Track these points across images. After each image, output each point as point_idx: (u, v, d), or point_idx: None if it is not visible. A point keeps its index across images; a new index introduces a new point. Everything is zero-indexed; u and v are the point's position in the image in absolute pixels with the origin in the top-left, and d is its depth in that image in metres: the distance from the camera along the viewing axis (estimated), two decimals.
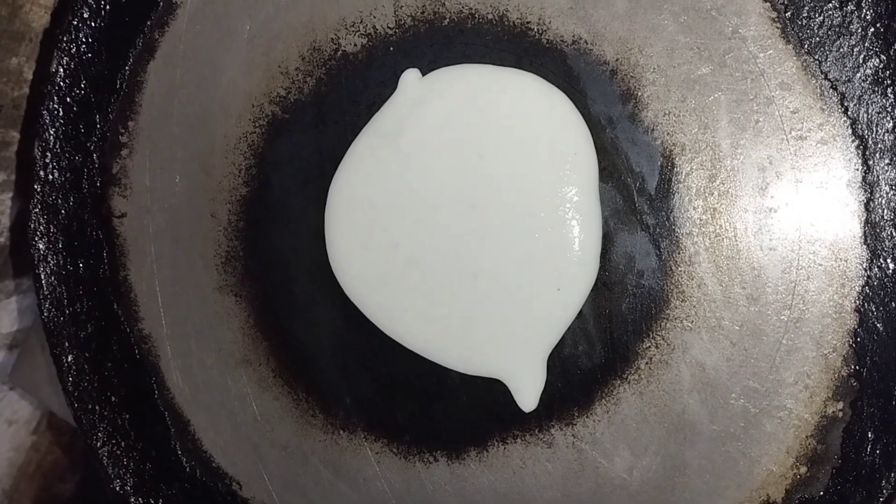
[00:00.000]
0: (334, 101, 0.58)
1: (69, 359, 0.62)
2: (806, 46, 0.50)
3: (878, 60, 0.49)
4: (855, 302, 0.50)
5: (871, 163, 0.50)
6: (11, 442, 0.74)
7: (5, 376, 0.72)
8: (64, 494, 0.79)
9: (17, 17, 0.63)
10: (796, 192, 0.51)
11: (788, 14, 0.50)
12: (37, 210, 0.62)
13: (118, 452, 0.62)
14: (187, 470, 0.61)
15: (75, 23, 0.60)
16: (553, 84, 0.54)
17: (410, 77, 0.56)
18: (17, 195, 0.68)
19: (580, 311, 0.54)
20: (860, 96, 0.50)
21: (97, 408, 0.62)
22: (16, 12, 0.63)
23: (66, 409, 0.64)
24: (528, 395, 0.55)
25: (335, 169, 0.58)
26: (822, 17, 0.50)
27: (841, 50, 0.50)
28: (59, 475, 0.79)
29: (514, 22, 0.55)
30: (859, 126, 0.50)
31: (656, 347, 0.53)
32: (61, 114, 0.61)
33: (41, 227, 0.62)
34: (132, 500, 0.61)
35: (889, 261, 0.49)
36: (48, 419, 0.77)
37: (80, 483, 0.80)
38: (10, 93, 0.65)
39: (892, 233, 0.49)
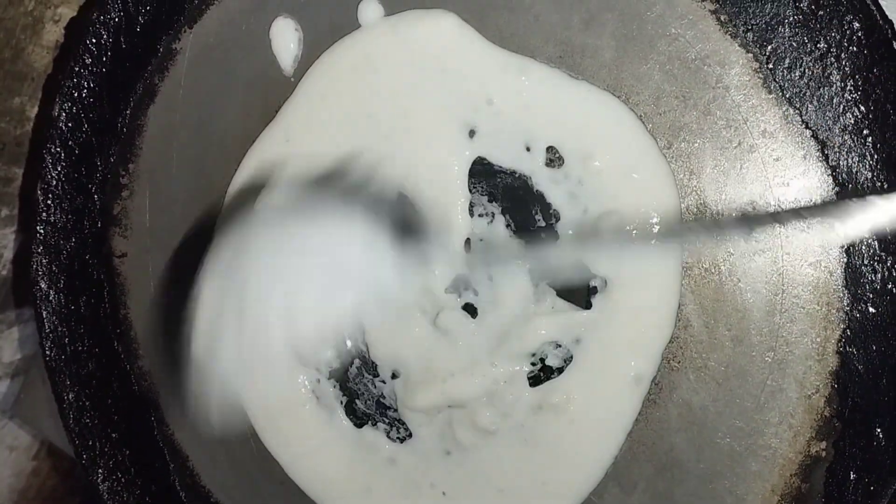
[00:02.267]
0: None
1: (70, 396, 0.63)
2: (787, 96, 0.52)
3: (857, 111, 0.50)
4: (837, 344, 0.51)
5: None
6: (12, 468, 0.74)
7: (7, 405, 0.72)
8: None
9: (20, 57, 0.64)
10: (779, 237, 0.52)
11: (770, 65, 0.52)
12: (39, 250, 0.63)
13: (118, 488, 0.62)
14: None
15: (77, 68, 0.61)
16: None
17: None
18: (19, 229, 0.69)
19: None
20: (840, 145, 0.51)
21: (98, 444, 0.63)
22: (19, 53, 0.64)
23: (66, 442, 0.65)
24: None
25: None
26: (802, 69, 0.51)
27: (821, 100, 0.51)
28: (59, 500, 0.79)
29: None
30: (839, 174, 0.51)
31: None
32: (63, 157, 0.62)
33: (43, 267, 0.63)
34: None
35: (869, 305, 0.50)
36: (48, 445, 0.77)
37: None
38: (13, 131, 0.66)
39: (871, 277, 0.50)
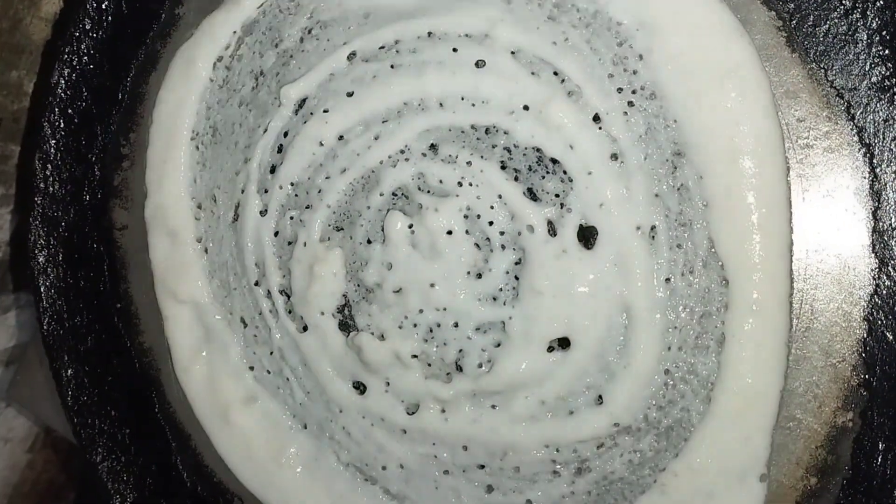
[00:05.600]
0: None
1: (69, 373, 0.62)
2: (811, 55, 0.51)
3: (884, 68, 0.50)
4: (864, 311, 0.50)
5: (878, 171, 0.50)
6: (7, 460, 0.74)
7: (2, 393, 0.71)
8: None
9: (17, 29, 0.64)
10: (803, 201, 0.51)
11: (794, 23, 0.51)
12: (37, 222, 0.62)
13: (118, 468, 0.62)
14: (188, 485, 0.61)
15: (77, 34, 0.61)
16: None
17: None
18: (16, 209, 0.68)
19: None
20: (867, 104, 0.50)
21: (97, 422, 0.62)
22: (16, 25, 0.64)
23: (65, 425, 0.64)
24: None
25: None
26: (827, 26, 0.50)
27: (847, 58, 0.50)
28: (55, 494, 0.79)
29: None
30: (866, 134, 0.50)
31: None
32: (62, 125, 0.62)
33: (41, 240, 0.62)
34: None
35: None
36: (44, 438, 0.77)
37: (76, 502, 0.80)
38: (10, 106, 0.66)
39: None
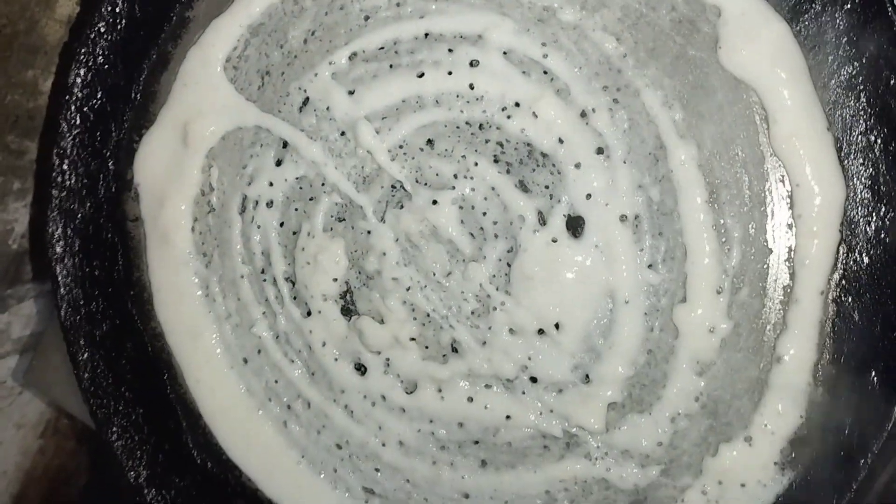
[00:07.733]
0: None
1: (85, 356, 0.64)
2: None
3: (850, 68, 0.52)
4: (833, 293, 0.53)
5: (846, 163, 0.53)
6: (19, 446, 0.74)
7: (18, 380, 0.72)
8: (70, 499, 0.79)
9: (33, 31, 0.65)
10: (776, 191, 0.53)
11: None
12: (54, 214, 0.64)
13: (132, 446, 0.63)
14: (198, 462, 0.63)
15: (93, 36, 0.62)
16: None
17: None
18: (32, 203, 0.69)
19: None
20: (835, 101, 0.53)
21: (112, 403, 0.63)
22: (32, 27, 0.65)
23: (80, 407, 0.66)
24: None
25: None
26: (798, 27, 0.53)
27: (816, 58, 0.53)
28: (66, 479, 0.79)
29: None
30: (834, 128, 0.53)
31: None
32: (78, 122, 0.63)
33: (58, 231, 0.64)
34: (146, 491, 0.62)
35: (864, 255, 0.52)
36: (55, 424, 0.77)
37: (86, 487, 0.80)
38: (26, 104, 0.66)
39: (866, 228, 0.52)
